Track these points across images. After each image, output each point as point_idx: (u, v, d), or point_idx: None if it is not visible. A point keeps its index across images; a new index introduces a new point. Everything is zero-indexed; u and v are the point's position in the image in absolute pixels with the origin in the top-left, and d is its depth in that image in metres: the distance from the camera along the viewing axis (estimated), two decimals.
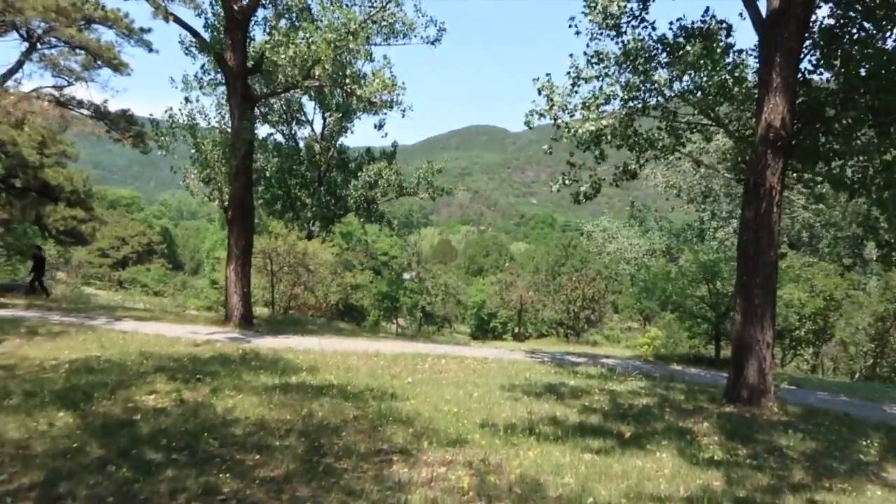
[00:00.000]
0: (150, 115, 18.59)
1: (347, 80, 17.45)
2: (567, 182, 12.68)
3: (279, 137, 41.30)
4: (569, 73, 12.40)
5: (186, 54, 19.55)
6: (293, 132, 41.25)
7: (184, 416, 7.63)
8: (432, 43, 19.67)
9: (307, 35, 16.47)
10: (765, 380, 11.00)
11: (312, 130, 41.79)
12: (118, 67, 24.83)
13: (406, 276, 42.87)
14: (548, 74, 12.54)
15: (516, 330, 45.46)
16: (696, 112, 12.47)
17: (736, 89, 12.00)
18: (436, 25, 19.58)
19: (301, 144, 40.92)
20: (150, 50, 23.86)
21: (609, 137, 12.57)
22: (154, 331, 16.12)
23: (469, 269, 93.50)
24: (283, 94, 19.76)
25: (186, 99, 17.25)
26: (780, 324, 19.44)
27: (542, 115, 12.38)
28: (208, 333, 16.84)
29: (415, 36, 19.58)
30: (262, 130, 49.40)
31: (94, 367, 10.19)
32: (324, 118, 40.40)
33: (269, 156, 40.17)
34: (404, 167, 41.84)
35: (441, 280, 39.74)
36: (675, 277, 19.48)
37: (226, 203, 18.05)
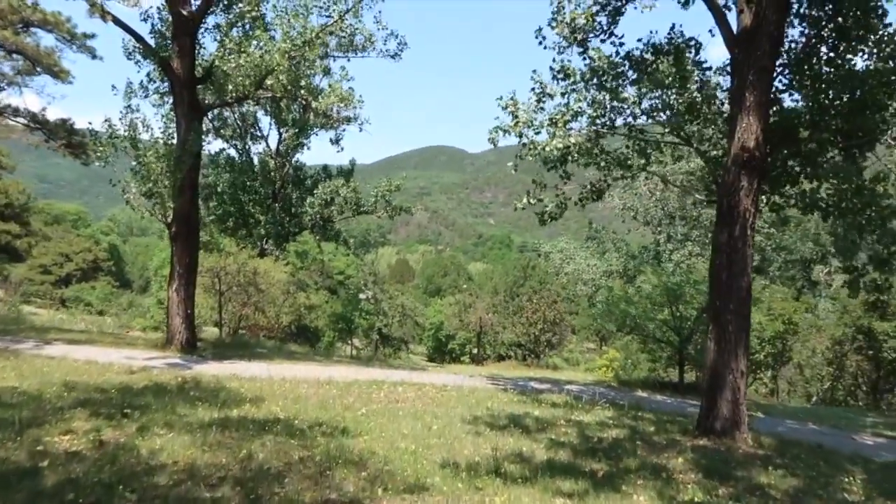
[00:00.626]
0: (89, 124, 17.33)
1: (303, 92, 16.63)
2: (532, 201, 12.08)
3: (233, 152, 40.07)
4: (533, 89, 11.87)
5: (129, 59, 18.39)
6: (247, 147, 40.04)
7: (100, 463, 6.61)
8: (392, 57, 19.05)
9: (260, 43, 15.62)
10: (739, 411, 10.49)
11: (267, 146, 40.70)
12: (58, 75, 23.45)
13: (362, 296, 41.82)
14: (512, 92, 11.99)
15: (475, 351, 44.76)
16: (665, 131, 12.06)
17: (706, 108, 11.64)
18: (396, 39, 18.99)
19: (255, 160, 39.70)
20: (94, 56, 22.59)
21: (576, 156, 12.04)
22: (86, 356, 14.83)
23: (427, 290, 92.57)
24: (235, 106, 18.62)
25: (128, 108, 16.17)
26: None
27: (506, 131, 11.78)
28: (146, 359, 15.62)
29: (374, 49, 18.94)
30: (216, 145, 48.11)
31: (5, 401, 9.02)
32: (279, 133, 39.37)
33: (222, 171, 38.86)
34: (362, 185, 40.98)
35: (398, 301, 38.70)
36: (637, 300, 19.09)
37: (169, 218, 16.93)
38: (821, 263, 50.00)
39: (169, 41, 16.92)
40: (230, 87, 16.49)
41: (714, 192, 11.48)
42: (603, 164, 12.19)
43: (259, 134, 40.94)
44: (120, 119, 16.04)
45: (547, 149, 11.28)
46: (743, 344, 10.52)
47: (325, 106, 16.38)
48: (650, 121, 12.18)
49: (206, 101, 18.45)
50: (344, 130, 41.67)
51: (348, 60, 18.64)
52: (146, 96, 18.82)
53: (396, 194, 40.61)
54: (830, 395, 24.79)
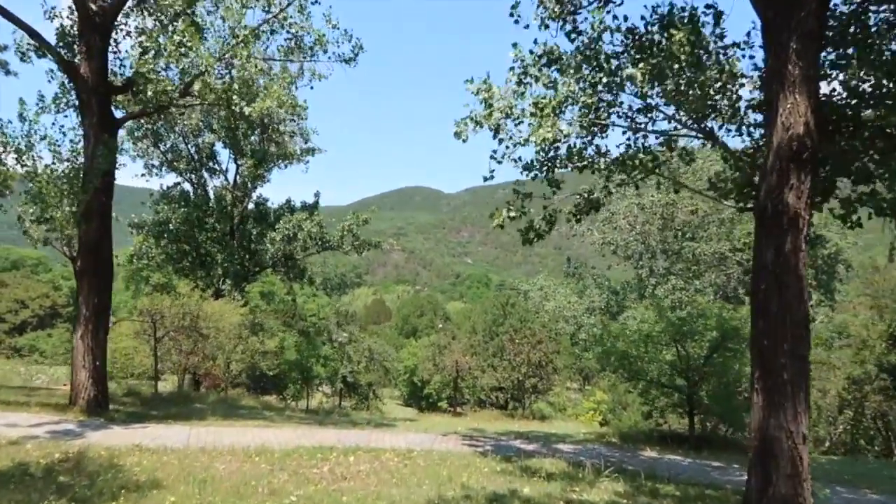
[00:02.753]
0: None
1: (234, 98, 13.90)
2: (513, 215, 9.41)
3: (187, 186, 37.11)
4: (512, 68, 9.29)
5: (23, 61, 15.51)
6: (203, 180, 37.12)
7: None
8: (347, 62, 16.50)
9: (184, 39, 12.96)
10: (801, 489, 7.70)
11: (226, 179, 37.84)
12: None
13: (336, 338, 38.54)
14: (485, 75, 9.40)
15: (453, 395, 41.56)
16: (677, 120, 9.51)
17: (730, 89, 9.15)
18: (350, 41, 16.45)
19: (211, 194, 36.76)
20: (8, 73, 19.70)
21: (567, 156, 9.45)
22: None
23: (403, 330, 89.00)
24: (155, 116, 15.84)
25: (21, 117, 13.32)
26: (745, 387, 16.52)
27: (478, 123, 9.15)
28: (34, 424, 12.44)
29: (325, 52, 16.41)
30: (169, 179, 45.01)
31: None
32: (236, 164, 36.55)
33: (176, 206, 35.79)
34: (334, 224, 38.07)
35: (364, 344, 35.45)
36: (636, 339, 16.38)
37: (75, 251, 13.94)
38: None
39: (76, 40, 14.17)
40: (150, 92, 13.72)
41: (746, 196, 8.90)
42: (601, 166, 9.58)
43: (217, 168, 38.16)
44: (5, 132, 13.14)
45: (532, 139, 8.65)
46: (802, 397, 7.80)
47: (259, 111, 13.71)
48: (658, 114, 9.64)
49: (126, 111, 15.58)
50: (307, 162, 39.54)
51: (292, 62, 15.98)
52: (59, 111, 15.88)
53: (365, 228, 37.89)
54: (850, 441, 22.10)
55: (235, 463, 10.23)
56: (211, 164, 37.55)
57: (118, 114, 15.12)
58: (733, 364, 15.94)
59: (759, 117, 9.17)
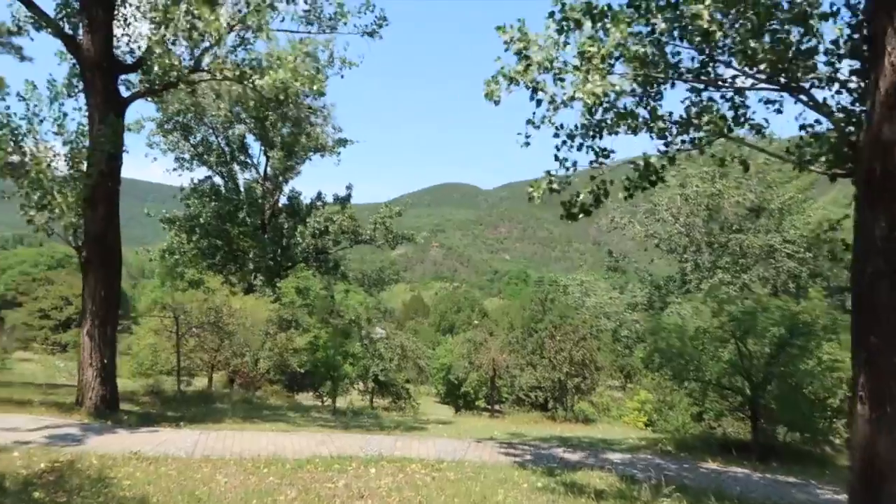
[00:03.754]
0: None
1: (248, 70, 12.73)
2: (556, 187, 7.94)
3: (218, 180, 36.44)
4: (552, 13, 7.81)
5: (20, 34, 14.51)
6: (233, 174, 36.39)
7: None
8: (370, 35, 15.27)
9: (191, 7, 11.84)
10: None
11: (257, 172, 37.08)
12: None
13: (375, 335, 37.43)
14: (519, 22, 7.93)
15: (490, 394, 40.12)
16: (750, 70, 7.88)
17: (817, 30, 7.52)
18: (373, 11, 15.16)
19: (241, 187, 36.02)
20: (23, 59, 18.97)
21: (618, 116, 7.95)
22: None
23: (440, 327, 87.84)
24: (163, 95, 14.78)
25: (19, 96, 12.39)
26: (816, 390, 14.70)
27: (512, 79, 7.72)
28: (31, 429, 11.47)
29: (346, 24, 15.19)
30: (199, 173, 44.48)
31: None
32: (266, 156, 35.72)
33: (206, 200, 35.18)
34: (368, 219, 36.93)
35: (396, 341, 34.19)
36: (695, 336, 14.68)
37: (81, 241, 12.99)
38: None
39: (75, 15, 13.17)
40: (156, 68, 12.66)
41: (846, 158, 7.25)
42: (661, 126, 8.02)
43: (248, 161, 37.43)
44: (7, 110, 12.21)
45: (578, 95, 7.18)
46: None
47: (273, 84, 12.53)
48: (727, 63, 8.03)
49: (136, 89, 14.53)
50: (339, 153, 38.51)
51: (310, 35, 14.68)
52: (70, 95, 14.95)
53: (401, 224, 36.72)
54: None
55: (240, 475, 9.03)
56: (241, 156, 36.85)
57: (127, 95, 14.09)
58: (800, 363, 14.18)
59: (857, 64, 7.51)
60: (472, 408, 45.19)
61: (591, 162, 8.26)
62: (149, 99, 14.57)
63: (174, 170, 36.20)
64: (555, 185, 7.94)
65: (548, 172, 7.99)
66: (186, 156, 36.15)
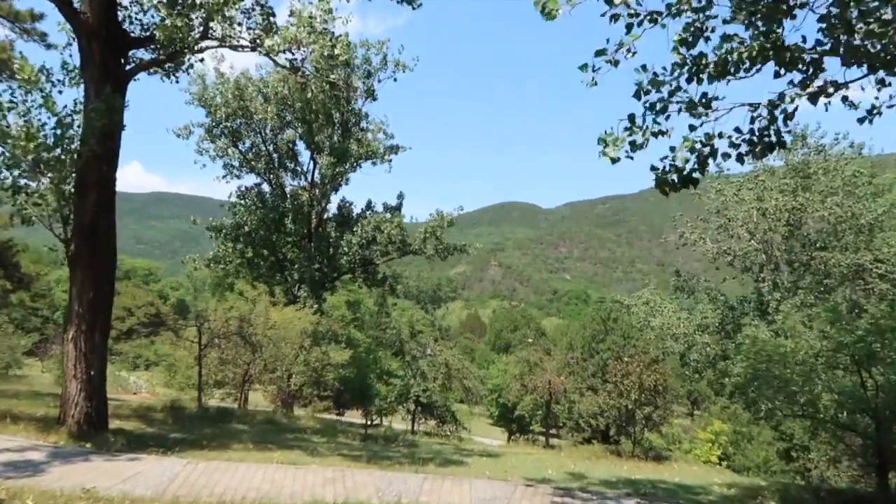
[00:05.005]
0: None
1: (262, 34, 10.84)
2: (639, 140, 5.49)
3: (265, 187, 35.18)
4: None
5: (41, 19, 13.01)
6: (280, 181, 35.04)
7: None
8: (409, 2, 13.18)
9: None
10: None
11: (305, 179, 35.63)
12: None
13: (420, 352, 35.23)
14: None
15: (545, 420, 37.11)
16: None
17: None
18: None
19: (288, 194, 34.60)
20: (49, 46, 17.79)
21: (724, 38, 5.48)
22: None
23: (495, 345, 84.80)
24: (167, 66, 12.95)
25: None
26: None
27: None
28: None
29: None
30: (248, 181, 43.40)
31: None
32: (313, 160, 34.22)
33: (252, 209, 33.92)
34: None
35: (440, 358, 31.63)
36: (802, 361, 11.76)
37: (70, 233, 11.23)
38: None
39: None
40: (159, 34, 10.87)
41: None
42: (793, 53, 5.44)
43: (298, 168, 36.03)
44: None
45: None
46: None
47: (285, 43, 10.57)
48: None
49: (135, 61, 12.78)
50: (391, 161, 36.72)
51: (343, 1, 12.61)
52: (72, 80, 13.32)
53: (457, 239, 34.40)
54: None
55: None
56: (290, 163, 35.51)
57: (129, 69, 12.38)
58: None
59: None
60: (526, 432, 42.26)
61: (688, 105, 5.74)
62: (153, 72, 12.85)
63: (223, 177, 35.22)
64: (638, 138, 5.47)
65: (631, 119, 5.53)
66: (235, 162, 35.09)
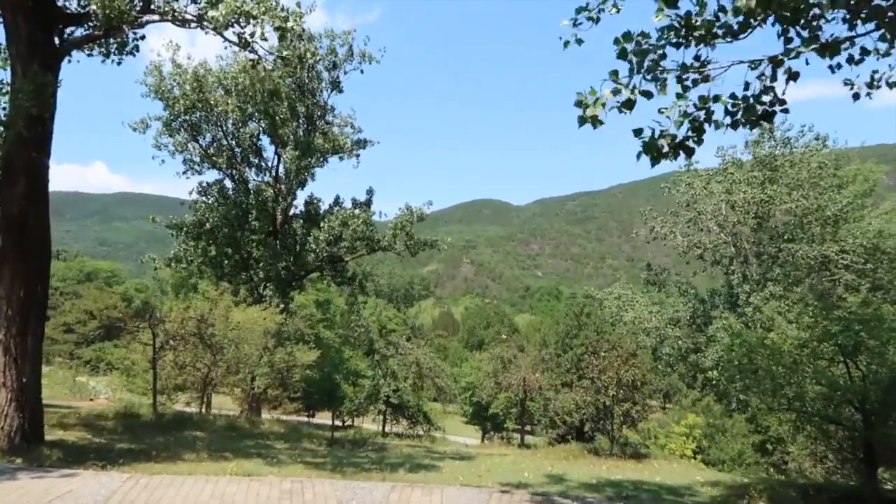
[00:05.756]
0: None
1: (204, 5, 9.95)
2: (628, 97, 4.75)
3: (228, 183, 33.93)
4: None
5: None
6: (244, 176, 33.84)
7: None
8: None
9: None
10: None
11: (270, 175, 34.47)
12: None
13: (389, 351, 34.32)
14: None
15: (520, 419, 36.50)
16: None
17: None
18: None
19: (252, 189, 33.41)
20: None
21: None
22: None
23: (468, 343, 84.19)
24: (104, 42, 11.93)
25: None
26: None
27: None
28: None
29: None
30: (210, 175, 42.12)
31: None
32: (277, 154, 33.13)
33: (214, 205, 32.67)
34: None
35: (411, 357, 30.78)
36: (786, 351, 11.24)
37: None
38: None
39: None
40: (94, 6, 9.88)
41: None
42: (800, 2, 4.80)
43: (262, 164, 34.83)
44: None
45: None
46: None
47: (230, 14, 9.69)
48: None
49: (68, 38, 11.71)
50: (358, 156, 35.74)
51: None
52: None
53: (419, 225, 33.51)
54: None
55: None
56: (253, 157, 34.32)
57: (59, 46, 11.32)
58: None
59: None
60: (500, 430, 41.69)
61: (681, 70, 5.02)
62: (88, 50, 11.82)
63: (183, 173, 33.91)
64: (625, 95, 4.74)
65: (613, 76, 4.79)
66: (196, 157, 33.80)
